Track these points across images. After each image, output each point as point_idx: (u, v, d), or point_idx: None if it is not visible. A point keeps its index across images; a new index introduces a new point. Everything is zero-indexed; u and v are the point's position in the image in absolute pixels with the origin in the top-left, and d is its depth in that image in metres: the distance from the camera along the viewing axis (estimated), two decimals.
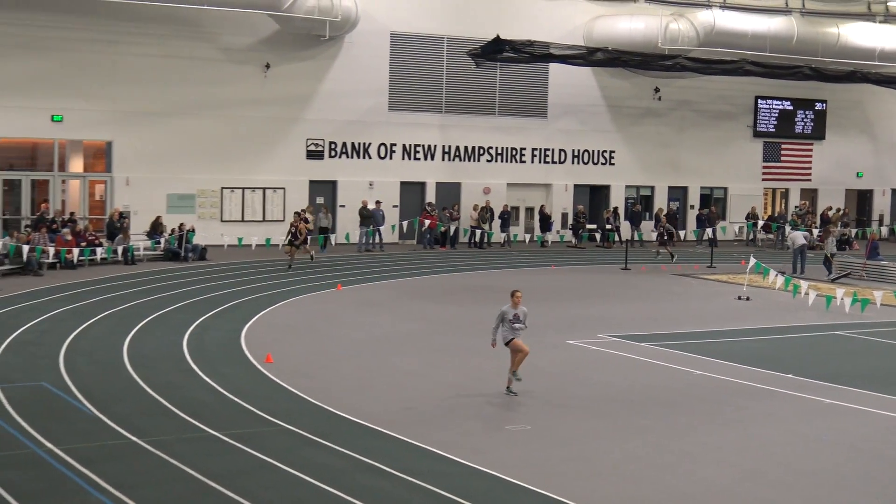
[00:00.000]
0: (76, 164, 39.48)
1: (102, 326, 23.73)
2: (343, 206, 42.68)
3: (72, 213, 37.35)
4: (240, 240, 39.19)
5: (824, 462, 15.35)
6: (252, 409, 17.03)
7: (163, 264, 35.63)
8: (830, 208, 52.38)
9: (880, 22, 45.77)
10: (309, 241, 36.20)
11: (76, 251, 33.82)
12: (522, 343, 17.67)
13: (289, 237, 33.76)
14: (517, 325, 17.79)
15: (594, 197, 48.94)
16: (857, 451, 15.86)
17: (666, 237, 43.72)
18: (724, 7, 43.86)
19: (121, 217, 37.14)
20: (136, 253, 35.87)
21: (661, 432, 16.42)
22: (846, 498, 13.73)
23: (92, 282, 31.11)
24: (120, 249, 35.58)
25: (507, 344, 17.81)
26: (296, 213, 33.25)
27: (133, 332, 22.94)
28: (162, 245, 37.05)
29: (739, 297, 31.44)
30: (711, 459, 15.33)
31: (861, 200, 56.15)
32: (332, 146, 42.51)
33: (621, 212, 48.56)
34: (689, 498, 13.45)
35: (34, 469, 13.58)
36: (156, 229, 37.49)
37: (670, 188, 50.31)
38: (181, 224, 37.60)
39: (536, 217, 47.38)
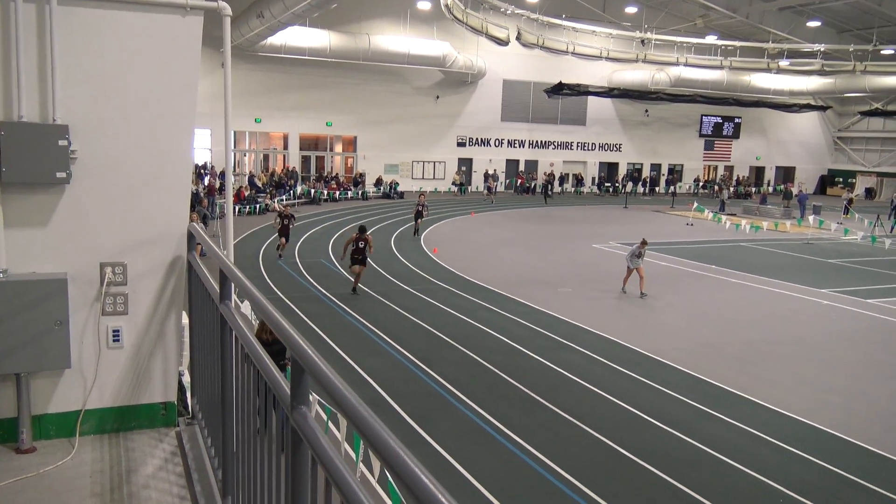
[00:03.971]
0: (338, 147, 41.75)
1: (350, 230, 23.18)
2: (476, 171, 45.02)
3: (336, 174, 40.37)
4: (420, 188, 38.56)
5: (738, 313, 16.32)
6: (427, 276, 18.31)
7: (381, 201, 37.61)
8: (729, 174, 54.03)
9: (774, 73, 46.21)
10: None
11: (338, 192, 37.00)
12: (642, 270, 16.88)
13: (416, 212, 25.19)
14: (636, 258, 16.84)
15: (610, 170, 50.29)
16: (756, 306, 17.14)
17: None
18: (685, 65, 43.85)
19: (361, 176, 40.12)
20: (368, 195, 38.66)
21: (656, 295, 17.52)
22: (753, 332, 15.08)
23: (345, 209, 32.87)
24: (360, 192, 38.90)
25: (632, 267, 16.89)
26: (420, 193, 24.50)
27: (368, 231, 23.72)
28: (381, 191, 39.68)
29: (688, 224, 32.77)
30: (670, 311, 16.21)
31: (758, 172, 56.88)
32: (470, 139, 44.55)
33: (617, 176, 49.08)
34: (658, 331, 14.34)
35: (317, 303, 15.20)
36: (378, 182, 40.54)
37: (652, 164, 51.95)
38: (392, 180, 40.84)
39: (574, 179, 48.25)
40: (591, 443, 9.14)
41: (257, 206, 30.89)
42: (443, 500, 1.26)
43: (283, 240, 19.86)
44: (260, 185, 34.57)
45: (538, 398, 10.54)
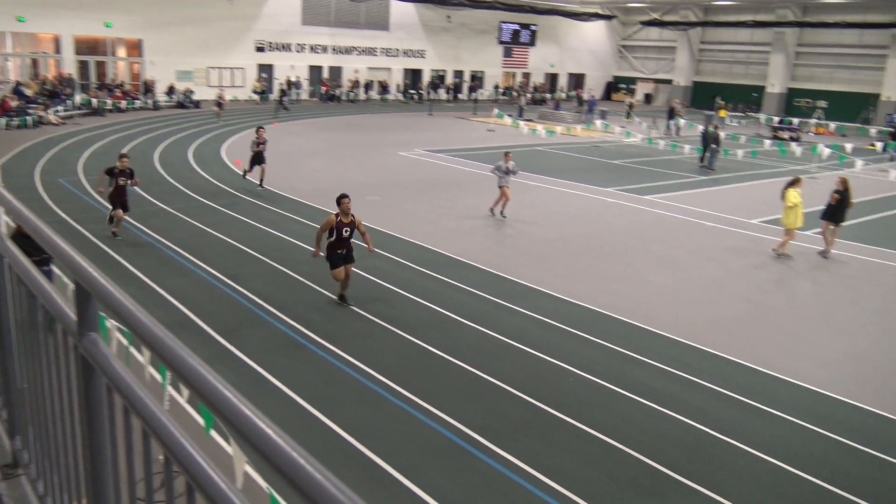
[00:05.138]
0: (121, 52, 38.39)
1: (142, 143, 24.54)
2: (277, 79, 43.02)
3: (121, 82, 37.56)
4: (259, 127, 37.64)
5: (534, 214, 17.62)
6: (230, 190, 17.88)
7: (175, 111, 35.58)
8: (526, 81, 56.30)
9: None
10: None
11: (124, 102, 34.44)
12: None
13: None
14: None
15: (414, 77, 50.56)
16: (550, 206, 18.56)
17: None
18: None
19: (150, 84, 37.35)
20: (160, 104, 36.36)
21: (452, 199, 18.40)
22: (548, 230, 16.31)
23: (133, 120, 30.80)
24: (151, 102, 36.31)
25: None
26: (259, 127, 18.50)
27: (160, 147, 23.92)
28: (174, 100, 37.50)
29: (489, 130, 33.69)
30: (471, 214, 17.47)
31: (553, 79, 59.57)
32: (270, 45, 42.87)
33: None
34: (461, 233, 15.57)
35: (106, 223, 13.68)
36: (170, 91, 38.02)
37: (455, 71, 52.98)
38: (186, 88, 38.35)
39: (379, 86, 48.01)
40: (403, 344, 9.49)
41: (28, 118, 28.16)
42: (246, 411, 1.26)
43: (119, 211, 13.54)
44: (29, 94, 31.52)
45: (354, 308, 10.65)
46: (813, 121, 43.65)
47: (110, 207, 13.24)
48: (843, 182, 15.01)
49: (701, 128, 29.35)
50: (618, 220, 17.46)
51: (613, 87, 62.47)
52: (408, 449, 6.91)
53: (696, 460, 7.06)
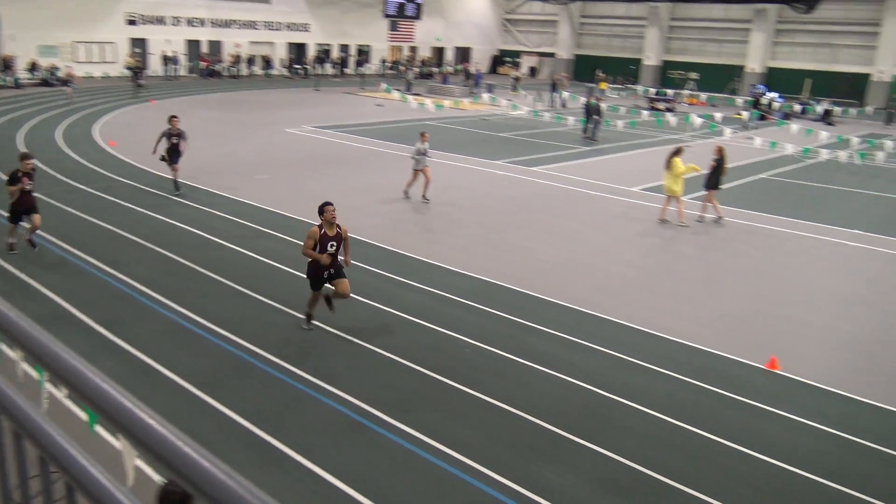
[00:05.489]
0: None
1: (3, 124, 23.26)
2: (152, 53, 41.49)
3: None
4: (88, 73, 37.26)
5: (433, 182, 16.46)
6: (106, 173, 17.10)
7: (39, 89, 33.78)
8: (413, 55, 56.47)
9: None
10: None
11: None
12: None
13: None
14: None
15: (299, 51, 49.49)
16: (441, 180, 17.51)
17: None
18: None
19: (10, 60, 35.19)
20: (21, 82, 34.57)
21: (344, 175, 18.66)
22: (439, 203, 15.78)
23: None
24: (11, 80, 34.18)
25: None
26: (173, 117, 15.50)
27: (25, 127, 22.83)
28: (37, 77, 35.69)
29: (377, 105, 33.51)
30: (361, 190, 17.94)
31: (439, 53, 59.82)
32: (143, 17, 41.11)
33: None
34: (351, 209, 15.18)
35: None
36: (33, 67, 36.00)
37: (340, 45, 52.22)
38: (51, 64, 36.11)
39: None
40: (294, 324, 9.29)
41: None
42: (127, 404, 1.19)
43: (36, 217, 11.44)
44: None
45: (242, 289, 10.40)
46: (686, 92, 45.91)
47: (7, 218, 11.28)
48: (719, 150, 15.89)
49: (583, 100, 30.19)
50: (508, 191, 17.76)
51: (499, 61, 63.21)
52: (306, 429, 6.82)
53: (593, 422, 7.37)
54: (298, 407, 7.24)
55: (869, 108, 43.07)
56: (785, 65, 49.85)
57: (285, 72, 47.30)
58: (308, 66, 47.88)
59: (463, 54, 60.64)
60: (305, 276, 8.89)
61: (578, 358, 8.70)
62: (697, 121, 29.18)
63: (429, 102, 33.36)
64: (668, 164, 15.16)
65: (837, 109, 39.30)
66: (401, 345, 8.74)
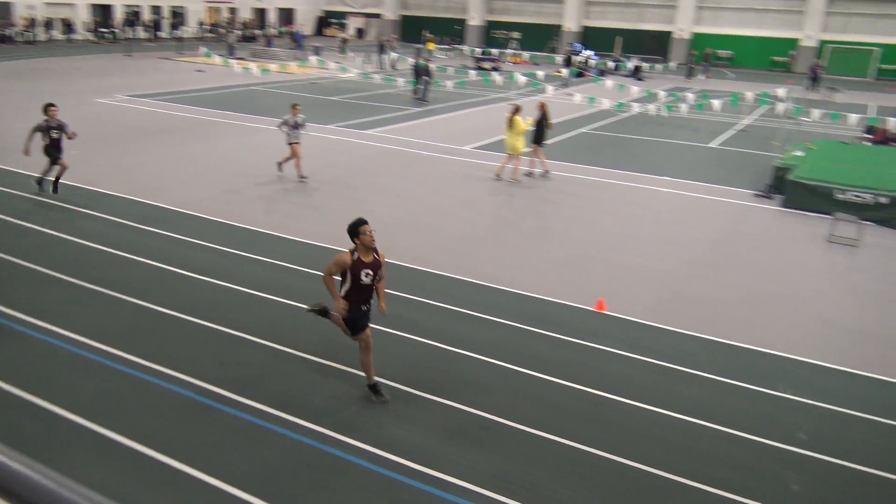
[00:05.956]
0: None
1: None
2: None
3: None
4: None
5: (256, 156, 17.44)
6: None
7: None
8: (233, 17, 54.23)
9: None
10: None
11: None
12: None
13: None
14: None
15: (105, 13, 46.09)
16: (272, 148, 17.94)
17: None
18: None
19: None
20: None
21: (166, 147, 18.21)
22: (268, 172, 16.33)
23: None
24: None
25: None
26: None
27: None
28: None
29: (198, 70, 32.60)
30: (190, 161, 17.28)
31: (261, 15, 57.44)
32: None
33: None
34: (181, 183, 14.81)
35: None
36: None
37: (152, 6, 48.70)
38: None
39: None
40: (127, 308, 8.80)
41: None
42: None
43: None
44: None
45: (56, 275, 9.61)
46: (510, 51, 47.34)
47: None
48: (542, 106, 16.59)
49: (412, 61, 30.33)
50: (342, 156, 17.62)
51: (324, 23, 61.94)
52: (144, 416, 6.52)
53: (438, 376, 7.58)
54: (135, 395, 6.88)
55: (672, 64, 46.72)
56: (598, 24, 52.74)
57: (90, 36, 43.91)
58: (116, 30, 44.77)
59: (286, 16, 58.61)
60: (317, 311, 7.00)
61: (420, 316, 8.88)
62: (522, 79, 30.25)
63: (254, 67, 32.04)
64: (511, 123, 15.59)
65: (646, 65, 42.30)
66: (242, 320, 8.49)
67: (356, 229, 6.50)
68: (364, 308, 6.69)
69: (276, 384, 7.21)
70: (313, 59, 35.18)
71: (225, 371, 7.39)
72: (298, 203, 13.52)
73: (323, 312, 6.93)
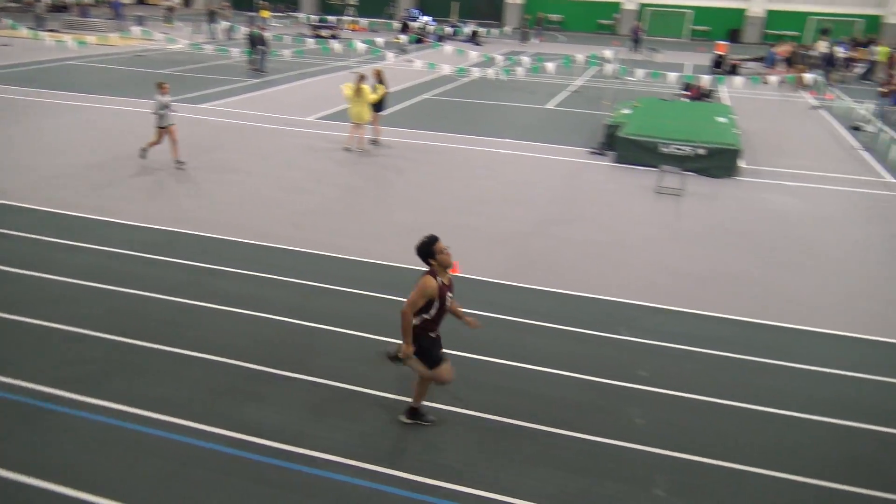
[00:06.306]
0: None
1: None
2: None
3: None
4: None
5: (81, 137, 16.78)
6: None
7: None
8: None
9: None
10: None
11: None
12: None
13: None
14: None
15: None
16: (111, 123, 17.26)
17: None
18: None
19: None
20: None
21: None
22: (118, 147, 15.26)
23: None
24: None
25: None
26: None
27: None
28: None
29: (3, 44, 29.64)
30: (9, 145, 16.83)
31: None
32: None
33: None
34: (5, 170, 14.63)
35: None
36: None
37: None
38: None
39: None
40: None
41: None
42: None
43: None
44: None
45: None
46: (347, 18, 46.62)
47: None
48: (378, 74, 16.53)
49: (246, 30, 29.24)
50: (178, 133, 16.69)
51: None
52: None
53: (295, 352, 7.47)
54: None
55: (507, 28, 47.96)
56: None
57: None
58: None
59: None
60: (390, 356, 6.23)
61: (271, 293, 8.70)
62: (361, 46, 29.94)
63: (69, 39, 29.90)
64: (358, 92, 15.37)
65: (482, 30, 43.14)
66: (77, 314, 7.95)
67: (429, 249, 5.64)
68: (437, 336, 5.90)
69: (124, 379, 6.84)
70: (136, 29, 33.00)
71: (65, 370, 6.87)
72: (131, 186, 12.84)
73: (399, 359, 6.00)
